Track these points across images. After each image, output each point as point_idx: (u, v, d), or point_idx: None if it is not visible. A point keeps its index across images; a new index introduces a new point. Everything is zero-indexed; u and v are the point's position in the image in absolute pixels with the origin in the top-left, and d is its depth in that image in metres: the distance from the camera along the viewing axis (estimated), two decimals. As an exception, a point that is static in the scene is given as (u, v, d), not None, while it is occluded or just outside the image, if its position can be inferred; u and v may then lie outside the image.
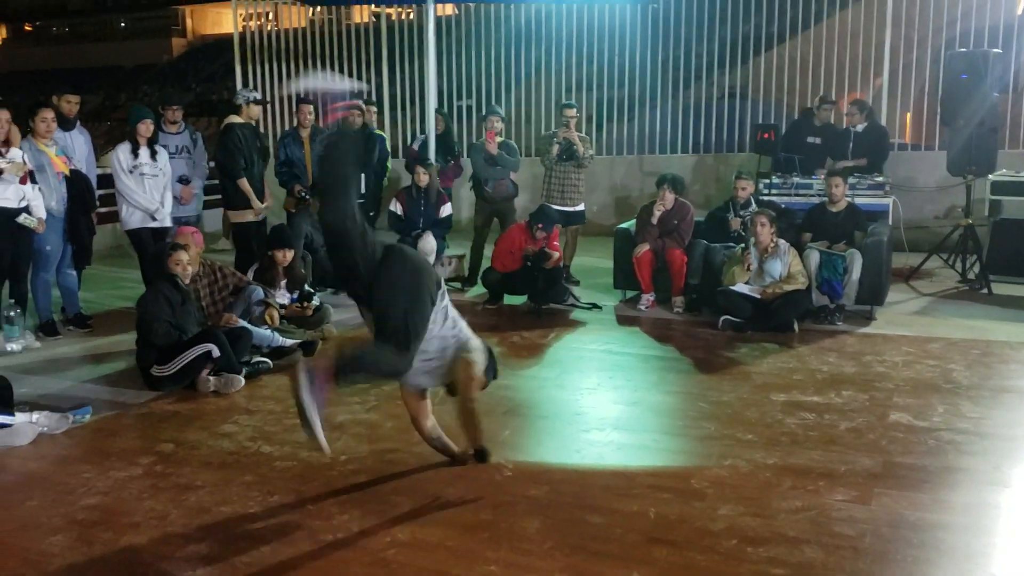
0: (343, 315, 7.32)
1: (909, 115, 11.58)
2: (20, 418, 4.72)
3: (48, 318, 6.96)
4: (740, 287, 6.90)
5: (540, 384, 5.72)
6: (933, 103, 10.55)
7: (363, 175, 8.24)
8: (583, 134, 8.95)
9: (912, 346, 6.37)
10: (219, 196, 8.34)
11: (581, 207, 8.76)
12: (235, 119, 7.77)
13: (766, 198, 8.43)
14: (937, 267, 8.80)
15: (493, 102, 12.09)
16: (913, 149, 11.07)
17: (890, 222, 8.38)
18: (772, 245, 6.95)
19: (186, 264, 5.91)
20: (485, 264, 8.25)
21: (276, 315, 6.44)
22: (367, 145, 8.41)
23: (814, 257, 7.09)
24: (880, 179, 8.82)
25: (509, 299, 7.90)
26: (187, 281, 5.96)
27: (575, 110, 8.77)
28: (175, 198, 7.55)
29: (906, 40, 10.76)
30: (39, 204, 6.45)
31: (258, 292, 6.49)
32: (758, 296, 6.86)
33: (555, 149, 8.53)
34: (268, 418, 5.06)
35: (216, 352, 5.51)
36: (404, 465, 4.32)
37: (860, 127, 9.30)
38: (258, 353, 6.07)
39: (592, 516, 3.75)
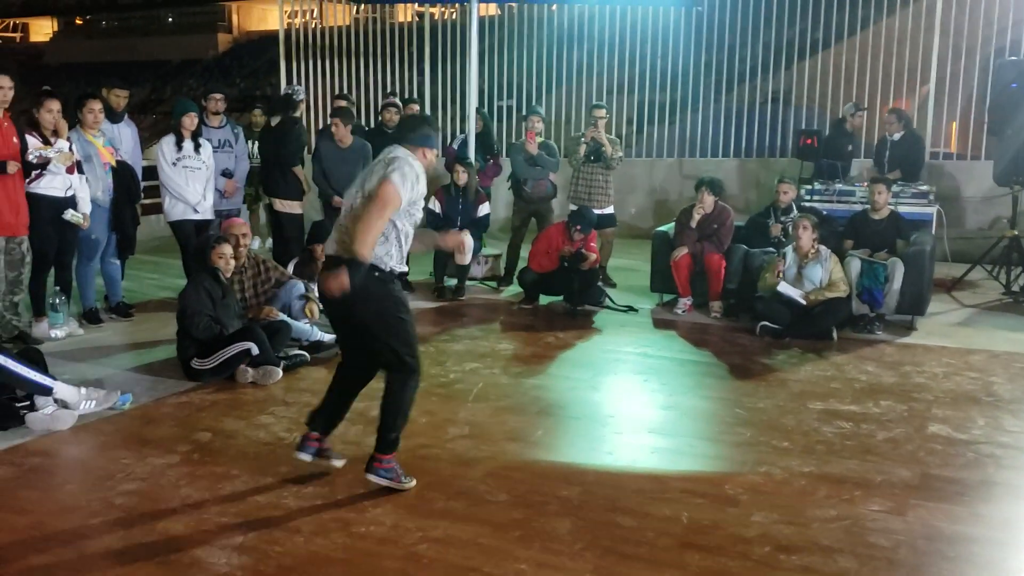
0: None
1: (955, 124, 11.41)
2: (64, 388, 4.80)
3: (91, 306, 7.08)
4: (784, 287, 6.81)
5: (574, 385, 5.71)
6: (980, 113, 10.39)
7: None
8: (612, 136, 8.90)
9: (953, 357, 6.27)
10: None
11: (610, 210, 8.67)
12: (293, 115, 8.07)
13: (808, 204, 8.34)
14: (981, 278, 8.66)
15: (534, 103, 12.10)
16: (959, 159, 10.91)
17: (933, 232, 8.26)
18: (813, 251, 6.88)
19: (229, 258, 5.95)
20: (521, 264, 8.26)
21: (316, 309, 6.49)
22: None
23: (855, 265, 7.01)
24: (924, 188, 8.70)
25: (545, 299, 7.90)
26: (228, 275, 6.01)
27: (604, 111, 8.73)
28: (219, 192, 7.65)
29: (954, 49, 10.60)
30: (85, 196, 6.55)
31: (299, 287, 6.55)
32: (801, 300, 6.77)
33: (582, 150, 8.51)
34: (304, 410, 5.05)
35: (255, 350, 5.57)
36: (437, 461, 4.34)
37: (897, 136, 9.18)
38: (296, 346, 6.14)
39: (624, 519, 3.74)
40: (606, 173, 8.60)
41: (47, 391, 4.75)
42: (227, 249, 5.94)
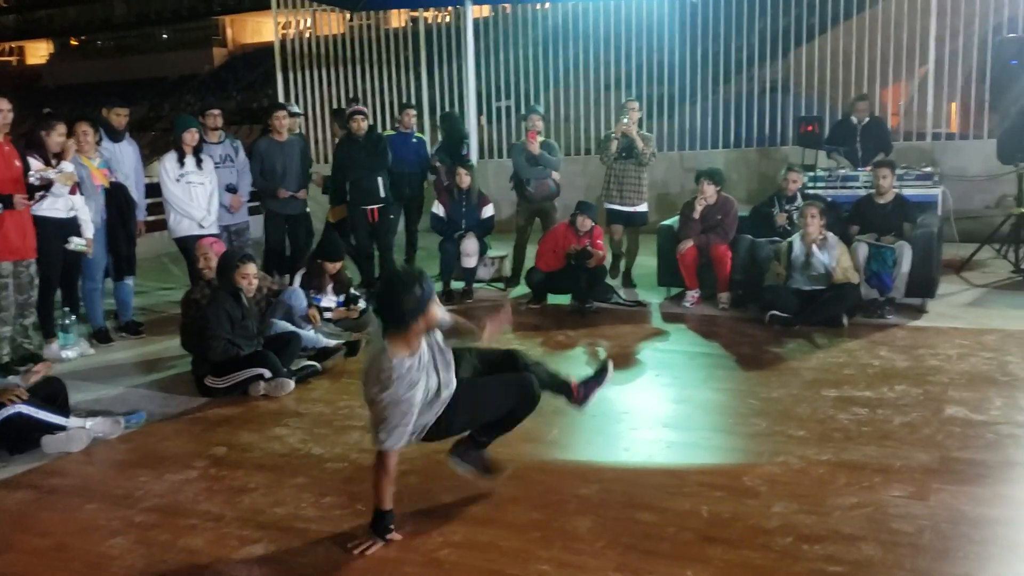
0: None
1: (955, 104, 11.36)
2: (74, 422, 4.82)
3: (100, 325, 7.09)
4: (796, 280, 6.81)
5: (587, 383, 5.69)
6: (980, 91, 10.36)
7: (379, 179, 8.29)
8: (645, 132, 8.74)
9: (966, 338, 6.25)
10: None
11: (643, 207, 8.48)
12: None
13: (812, 191, 8.32)
14: (989, 257, 8.63)
15: (532, 102, 12.09)
16: (961, 139, 10.87)
17: (939, 212, 8.24)
18: (821, 238, 6.85)
19: (252, 278, 5.87)
20: (528, 264, 8.25)
21: (317, 315, 6.53)
22: (378, 147, 8.41)
23: (862, 250, 6.99)
24: (928, 169, 8.66)
25: (553, 299, 7.89)
26: (251, 295, 5.94)
27: (637, 104, 8.57)
28: (224, 207, 7.66)
29: (951, 28, 10.56)
30: (87, 218, 6.56)
31: (298, 295, 6.53)
32: (809, 288, 6.75)
33: (613, 145, 8.41)
34: (318, 420, 5.11)
35: (268, 375, 5.57)
36: (453, 477, 4.32)
37: (865, 120, 9.00)
38: (305, 356, 6.13)
39: (644, 515, 3.72)
40: (639, 169, 8.37)
41: (62, 430, 4.77)
42: (251, 269, 5.87)
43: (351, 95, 13.08)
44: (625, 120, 8.33)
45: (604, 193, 8.52)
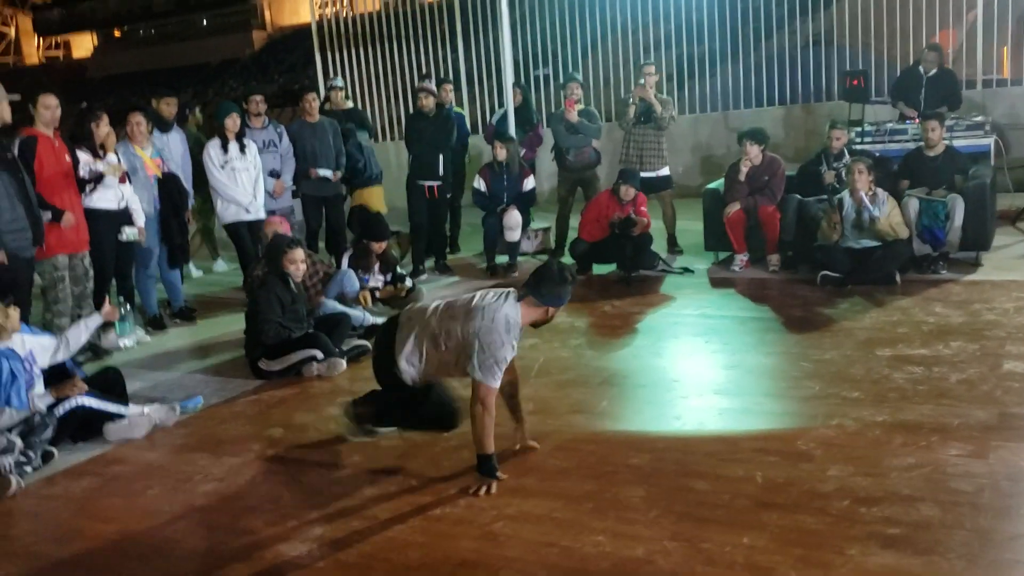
0: (434, 294, 7.41)
1: (1007, 49, 11.01)
2: (133, 410, 4.94)
3: (155, 313, 7.23)
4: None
5: (635, 352, 5.68)
6: (1033, 34, 10.03)
7: (440, 156, 8.30)
8: (663, 95, 8.72)
9: (1023, 291, 6.09)
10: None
11: (665, 171, 8.47)
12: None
13: (859, 147, 8.15)
14: (1046, 206, 8.39)
15: (570, 69, 11.98)
16: (1013, 84, 10.55)
17: (992, 163, 8.02)
18: (871, 194, 6.71)
19: (299, 263, 5.94)
20: (571, 235, 8.21)
21: (368, 296, 6.62)
22: (446, 126, 8.43)
23: (913, 205, 6.85)
24: (979, 119, 8.41)
25: (598, 268, 7.85)
26: (299, 280, 6.02)
27: (653, 67, 8.52)
28: (268, 193, 7.73)
29: (1001, -31, 10.23)
30: (138, 207, 6.67)
31: (350, 278, 6.63)
32: (859, 247, 6.64)
33: (631, 111, 8.35)
34: (370, 399, 5.16)
35: (320, 356, 5.65)
36: (505, 440, 4.32)
37: (932, 72, 8.70)
38: (355, 335, 6.20)
39: (697, 483, 3.72)
40: (658, 134, 8.35)
41: (122, 418, 4.89)
42: (299, 254, 5.95)
43: (385, 72, 13.09)
44: (642, 82, 8.25)
45: (624, 159, 8.45)
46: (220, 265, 9.53)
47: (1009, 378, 4.55)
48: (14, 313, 4.85)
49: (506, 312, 3.85)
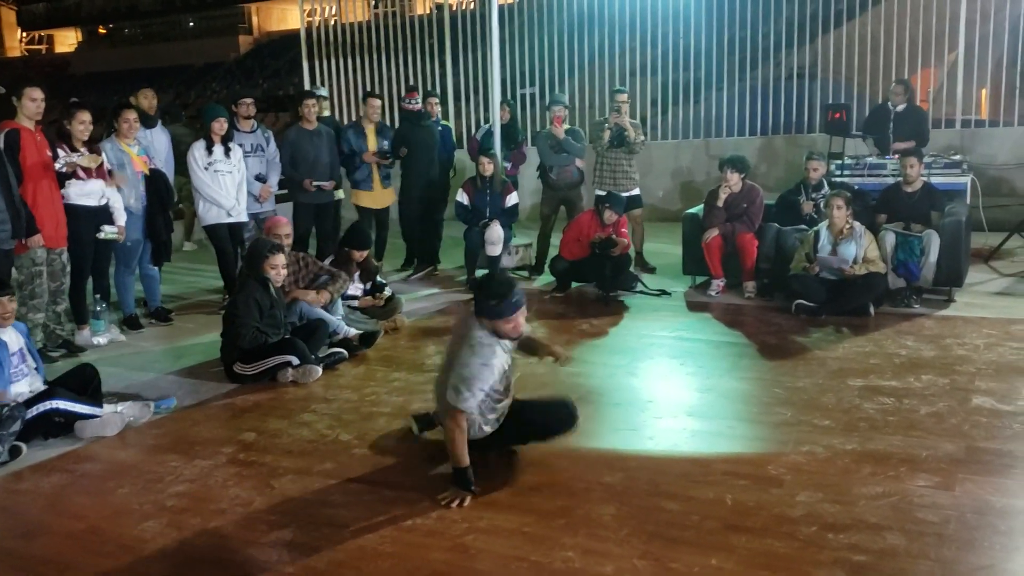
0: (413, 305, 7.44)
1: (985, 90, 11.22)
2: (107, 409, 4.91)
3: (131, 312, 7.19)
4: (824, 257, 6.78)
5: (611, 371, 5.72)
6: (1012, 76, 10.23)
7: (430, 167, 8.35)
8: (635, 120, 8.92)
9: (994, 328, 6.20)
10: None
11: (636, 191, 8.69)
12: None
13: (839, 179, 8.26)
14: (1018, 247, 8.54)
15: (556, 89, 12.07)
16: (991, 125, 10.74)
17: (968, 201, 8.15)
18: (847, 227, 6.81)
19: (280, 268, 5.92)
20: (552, 252, 8.26)
21: (327, 296, 6.49)
22: (439, 136, 8.52)
23: (889, 239, 6.95)
24: (957, 157, 8.57)
25: (577, 287, 7.89)
26: (279, 285, 5.98)
27: (626, 95, 8.75)
28: (254, 197, 7.72)
29: (981, 12, 10.43)
30: (119, 206, 6.62)
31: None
32: (844, 264, 6.72)
33: (606, 135, 8.52)
34: (345, 406, 5.16)
35: (296, 362, 5.64)
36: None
37: (901, 107, 8.82)
38: (331, 342, 6.19)
39: (668, 503, 3.74)
40: (629, 157, 8.61)
41: (96, 418, 4.86)
42: (280, 259, 5.92)
43: (372, 82, 13.12)
44: (616, 108, 8.50)
45: (596, 180, 8.65)
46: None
47: (977, 413, 4.62)
48: (11, 304, 4.90)
49: (472, 332, 3.96)
